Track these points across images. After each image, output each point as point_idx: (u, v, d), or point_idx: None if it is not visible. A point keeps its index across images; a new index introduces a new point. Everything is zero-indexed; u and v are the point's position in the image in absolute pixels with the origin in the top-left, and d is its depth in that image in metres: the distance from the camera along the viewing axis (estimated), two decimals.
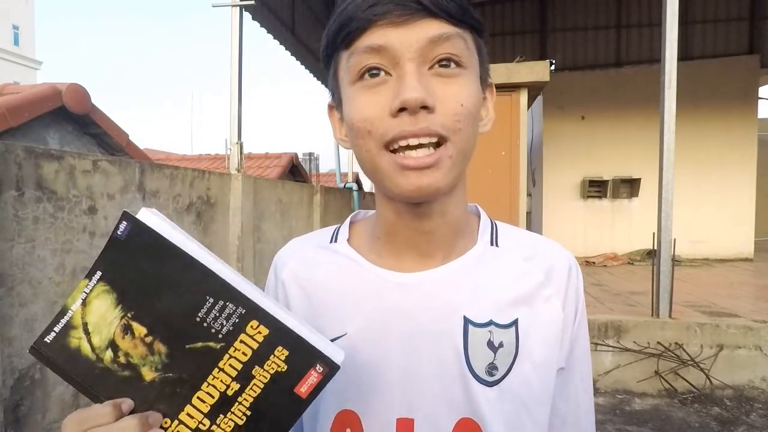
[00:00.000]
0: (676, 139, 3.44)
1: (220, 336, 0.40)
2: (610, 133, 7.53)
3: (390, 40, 0.45)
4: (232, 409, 0.41)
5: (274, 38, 5.96)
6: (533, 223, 8.15)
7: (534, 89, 4.46)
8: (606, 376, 3.41)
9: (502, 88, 4.33)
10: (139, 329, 0.40)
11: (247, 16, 4.90)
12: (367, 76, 0.47)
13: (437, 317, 0.52)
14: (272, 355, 0.41)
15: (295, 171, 8.32)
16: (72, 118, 3.80)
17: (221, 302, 0.40)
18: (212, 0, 4.48)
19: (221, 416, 0.41)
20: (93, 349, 0.40)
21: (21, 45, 29.89)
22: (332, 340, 0.52)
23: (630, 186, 7.54)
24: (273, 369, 0.41)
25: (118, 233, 0.40)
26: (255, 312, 0.40)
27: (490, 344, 0.51)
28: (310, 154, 11.70)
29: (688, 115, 6.08)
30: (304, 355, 0.41)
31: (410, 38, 0.45)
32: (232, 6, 4.43)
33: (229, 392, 0.41)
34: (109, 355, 0.40)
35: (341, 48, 0.49)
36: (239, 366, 0.41)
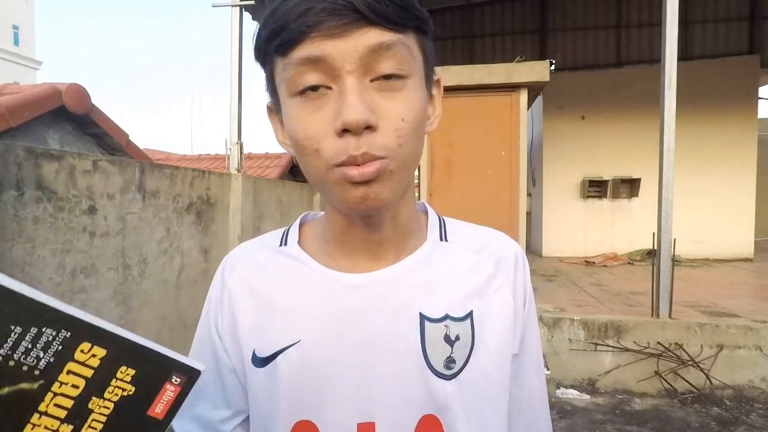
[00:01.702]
0: (676, 139, 3.44)
1: (37, 372, 0.32)
2: (610, 133, 7.53)
3: (327, 51, 0.43)
4: None
5: None
6: (533, 223, 8.15)
7: (534, 89, 4.46)
8: (606, 376, 3.41)
9: (502, 88, 4.34)
10: None
11: (247, 16, 4.90)
12: (308, 90, 0.45)
13: (392, 316, 0.51)
14: (114, 379, 0.34)
15: (295, 171, 8.31)
16: (72, 118, 3.80)
17: (34, 329, 0.32)
18: (212, 0, 4.48)
19: None
20: None
21: (21, 45, 29.89)
22: (285, 349, 0.51)
23: (630, 186, 7.55)
24: (117, 395, 0.35)
25: None
26: (85, 332, 0.33)
27: (446, 338, 0.52)
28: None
29: (688, 115, 6.08)
30: (154, 369, 0.36)
31: (348, 49, 0.43)
32: (232, 6, 4.44)
33: None
34: None
35: (275, 54, 0.47)
36: (69, 403, 0.33)
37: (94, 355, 0.34)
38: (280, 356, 0.51)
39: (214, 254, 3.73)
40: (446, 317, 0.52)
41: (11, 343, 0.31)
